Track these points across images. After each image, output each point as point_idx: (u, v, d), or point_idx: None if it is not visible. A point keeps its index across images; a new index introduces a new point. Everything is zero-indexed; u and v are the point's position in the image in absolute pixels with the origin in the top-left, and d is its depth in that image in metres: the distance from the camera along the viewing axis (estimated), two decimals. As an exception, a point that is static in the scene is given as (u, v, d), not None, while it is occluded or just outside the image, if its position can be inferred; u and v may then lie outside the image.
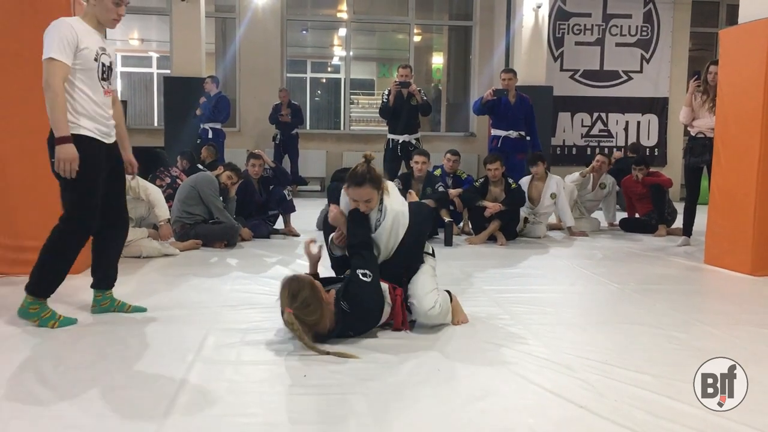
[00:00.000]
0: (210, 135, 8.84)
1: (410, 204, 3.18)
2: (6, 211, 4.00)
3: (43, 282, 2.95)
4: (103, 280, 3.19)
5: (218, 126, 9.01)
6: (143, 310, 3.25)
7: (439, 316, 2.97)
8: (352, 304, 2.71)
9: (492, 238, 5.90)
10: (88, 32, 2.92)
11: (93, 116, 2.92)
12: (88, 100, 2.91)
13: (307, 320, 2.60)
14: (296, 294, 2.61)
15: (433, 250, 3.24)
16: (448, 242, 5.71)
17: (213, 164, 7.14)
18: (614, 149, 10.19)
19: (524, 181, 6.50)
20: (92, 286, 3.21)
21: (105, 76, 2.98)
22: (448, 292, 3.20)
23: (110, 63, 3.03)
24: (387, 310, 2.87)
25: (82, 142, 2.86)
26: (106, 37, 3.07)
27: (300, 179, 10.07)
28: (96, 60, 2.91)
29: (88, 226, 2.95)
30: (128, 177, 3.30)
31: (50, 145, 2.88)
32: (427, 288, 2.97)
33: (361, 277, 2.75)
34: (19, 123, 3.92)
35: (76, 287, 3.49)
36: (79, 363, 2.50)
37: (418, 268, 3.05)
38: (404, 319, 2.94)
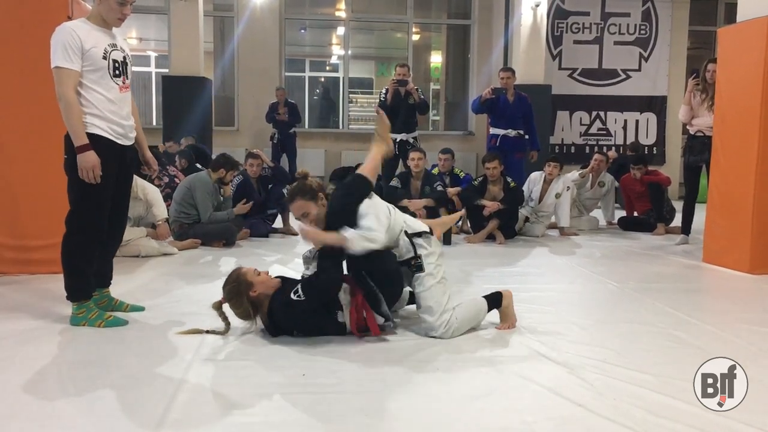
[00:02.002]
0: None
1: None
2: (9, 211, 3.99)
3: (74, 286, 2.98)
4: (100, 278, 3.17)
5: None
6: (141, 309, 3.25)
7: (455, 333, 2.86)
8: (276, 313, 2.80)
9: (491, 237, 5.90)
10: (94, 31, 2.90)
11: (107, 116, 2.90)
12: (102, 100, 2.89)
13: (234, 312, 2.85)
14: (224, 287, 2.86)
15: (430, 230, 3.02)
16: (446, 241, 5.70)
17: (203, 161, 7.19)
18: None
19: (536, 177, 6.49)
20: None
21: (118, 72, 2.97)
22: (500, 293, 3.06)
23: (123, 57, 3.01)
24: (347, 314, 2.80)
25: (92, 140, 2.84)
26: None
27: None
28: (105, 58, 2.89)
29: (95, 223, 2.94)
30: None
31: (66, 143, 2.88)
32: (438, 309, 2.83)
33: (292, 295, 2.74)
34: (22, 123, 3.92)
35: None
36: (78, 362, 2.49)
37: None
38: (369, 326, 2.76)
